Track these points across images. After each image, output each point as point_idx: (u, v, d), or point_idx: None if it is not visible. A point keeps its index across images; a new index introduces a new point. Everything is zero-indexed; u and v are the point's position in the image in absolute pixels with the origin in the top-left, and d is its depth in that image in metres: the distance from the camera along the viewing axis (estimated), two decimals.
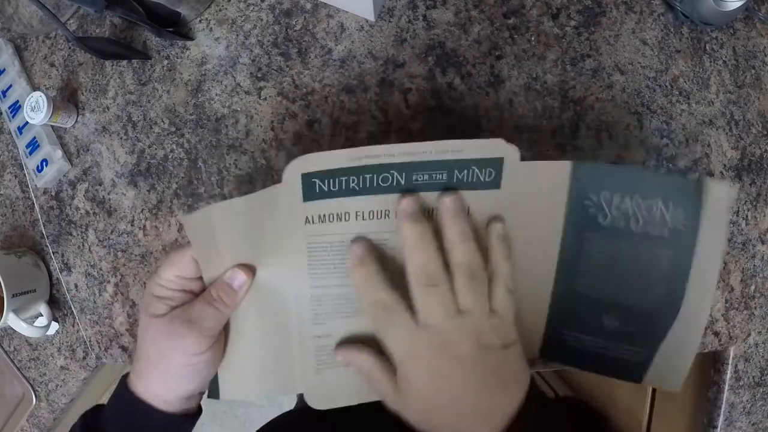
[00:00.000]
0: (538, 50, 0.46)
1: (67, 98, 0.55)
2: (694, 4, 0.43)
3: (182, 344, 0.31)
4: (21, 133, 0.55)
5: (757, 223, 0.46)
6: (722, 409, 0.47)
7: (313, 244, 0.33)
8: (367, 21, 0.48)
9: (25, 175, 0.57)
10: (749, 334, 0.47)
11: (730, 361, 0.47)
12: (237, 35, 0.50)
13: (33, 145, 0.54)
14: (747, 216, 0.46)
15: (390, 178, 0.32)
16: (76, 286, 0.55)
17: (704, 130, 0.46)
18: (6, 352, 0.60)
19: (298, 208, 0.32)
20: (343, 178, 0.31)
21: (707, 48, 0.46)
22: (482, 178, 0.32)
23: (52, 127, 0.55)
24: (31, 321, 0.53)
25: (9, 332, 0.59)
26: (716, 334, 0.46)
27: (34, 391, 0.59)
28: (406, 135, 0.47)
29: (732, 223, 0.46)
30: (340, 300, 0.34)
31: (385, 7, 0.48)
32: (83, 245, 0.54)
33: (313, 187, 0.32)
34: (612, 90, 0.46)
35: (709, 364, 0.49)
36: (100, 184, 0.54)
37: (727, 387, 0.47)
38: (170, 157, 0.52)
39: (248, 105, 0.50)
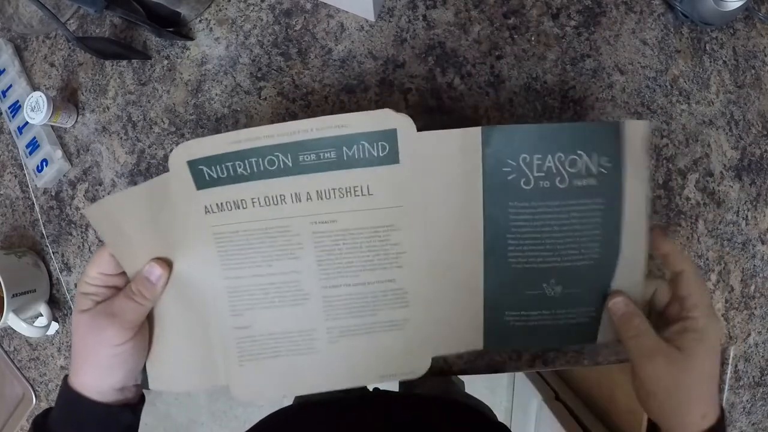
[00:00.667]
0: (538, 50, 0.46)
1: (67, 98, 0.55)
2: (694, 4, 0.43)
3: (105, 336, 0.32)
4: (21, 133, 0.55)
5: (757, 223, 0.46)
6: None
7: (218, 234, 0.33)
8: (367, 21, 0.48)
9: (25, 175, 0.57)
10: (749, 334, 0.47)
11: (730, 361, 0.47)
12: (237, 35, 0.50)
13: (33, 145, 0.54)
14: (747, 216, 0.46)
15: (275, 160, 0.31)
16: (76, 286, 0.55)
17: (704, 130, 0.46)
18: (6, 352, 0.60)
19: (193, 197, 0.32)
20: (229, 164, 0.31)
21: (707, 48, 0.46)
22: (375, 153, 0.31)
23: (52, 127, 0.55)
24: (31, 321, 0.53)
25: (9, 332, 0.59)
26: None
27: (34, 391, 0.59)
28: None
29: (732, 223, 0.46)
30: (256, 291, 0.34)
31: (385, 7, 0.48)
32: (83, 245, 0.54)
33: (202, 175, 0.31)
34: (612, 90, 0.46)
35: None
36: (100, 184, 0.54)
37: (727, 387, 0.47)
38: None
39: (248, 105, 0.50)
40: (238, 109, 0.50)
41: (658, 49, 0.46)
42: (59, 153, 0.54)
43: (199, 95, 0.51)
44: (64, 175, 0.55)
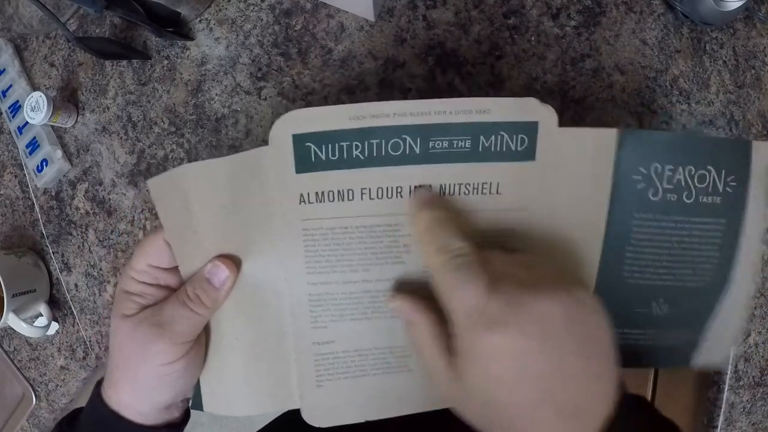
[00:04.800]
0: (538, 50, 0.46)
1: (67, 98, 0.55)
2: (694, 4, 0.43)
3: (150, 352, 0.26)
4: (21, 133, 0.55)
5: None
6: (722, 409, 0.47)
7: (309, 230, 0.28)
8: (367, 21, 0.48)
9: (25, 175, 0.57)
10: (749, 334, 0.47)
11: (730, 361, 0.47)
12: (237, 35, 0.50)
13: (33, 145, 0.54)
14: None
15: (402, 144, 0.26)
16: (76, 286, 0.55)
17: (704, 130, 0.46)
18: (6, 352, 0.60)
19: (290, 181, 0.27)
20: (344, 144, 0.26)
21: (707, 48, 0.46)
22: (513, 147, 0.27)
23: (52, 127, 0.55)
24: (31, 321, 0.53)
25: (9, 332, 0.59)
26: None
27: (34, 391, 0.59)
28: None
29: None
30: (345, 300, 0.29)
31: (385, 7, 0.48)
32: (83, 245, 0.54)
33: (307, 155, 0.26)
34: (612, 90, 0.46)
35: None
36: (100, 184, 0.54)
37: (727, 387, 0.47)
38: (170, 157, 0.52)
39: (248, 105, 0.50)
40: (238, 109, 0.50)
41: (658, 49, 0.46)
42: (59, 153, 0.54)
43: (199, 95, 0.51)
44: (64, 175, 0.55)
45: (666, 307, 0.31)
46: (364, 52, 0.48)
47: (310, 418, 0.30)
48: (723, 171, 0.29)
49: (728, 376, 0.47)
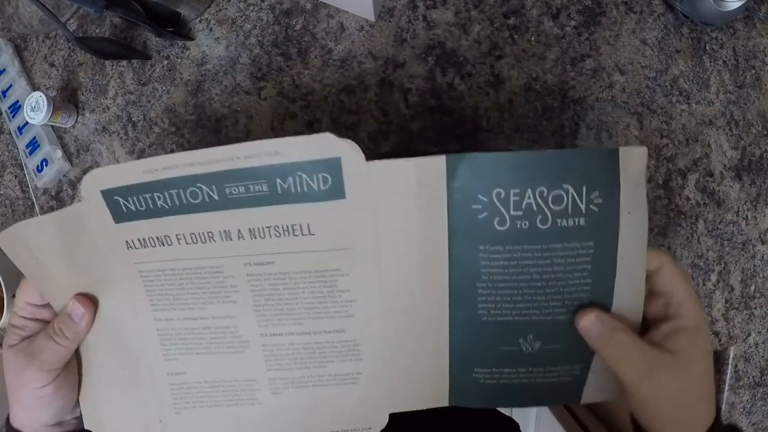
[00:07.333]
0: (538, 50, 0.46)
1: (67, 98, 0.55)
2: (694, 4, 0.43)
3: (24, 378, 0.30)
4: (21, 133, 0.55)
5: (757, 223, 0.46)
6: (722, 409, 0.47)
7: (144, 272, 0.29)
8: (367, 21, 0.48)
9: (25, 175, 0.57)
10: (749, 334, 0.47)
11: (730, 361, 0.47)
12: (237, 35, 0.50)
13: (33, 145, 0.54)
14: (747, 216, 0.46)
15: (199, 193, 0.27)
16: None
17: (704, 130, 0.46)
18: None
19: (113, 231, 0.28)
20: (147, 196, 0.27)
21: (707, 48, 0.46)
22: (316, 186, 0.26)
23: (52, 127, 0.55)
24: None
25: None
26: (716, 334, 0.46)
27: None
28: (406, 135, 0.47)
29: (732, 223, 0.46)
30: (189, 335, 0.31)
31: (385, 7, 0.48)
32: None
33: (119, 207, 0.27)
34: (612, 90, 0.46)
35: None
36: None
37: (727, 387, 0.47)
38: None
39: (248, 105, 0.50)
40: (238, 109, 0.50)
41: (658, 49, 0.46)
42: (59, 153, 0.54)
43: (199, 95, 0.51)
44: (64, 175, 0.55)
45: (537, 344, 0.29)
46: (364, 52, 0.48)
47: None
48: (584, 188, 0.26)
49: (728, 376, 0.47)
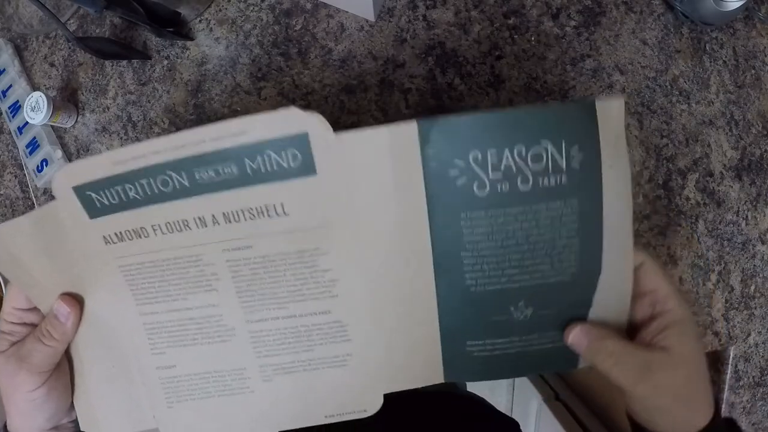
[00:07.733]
0: (538, 50, 0.46)
1: (67, 98, 0.55)
2: (694, 4, 0.43)
3: (16, 382, 0.30)
4: (21, 133, 0.55)
5: (757, 223, 0.46)
6: (722, 409, 0.47)
7: (125, 267, 0.29)
8: (367, 21, 0.48)
9: (25, 175, 0.57)
10: (749, 334, 0.47)
11: (730, 361, 0.47)
12: (237, 35, 0.50)
13: (33, 145, 0.54)
14: (747, 216, 0.46)
15: (169, 180, 0.26)
16: None
17: (704, 130, 0.46)
18: None
19: (88, 227, 0.28)
20: (118, 188, 0.27)
21: (707, 48, 0.46)
22: (285, 164, 0.26)
23: (52, 127, 0.55)
24: None
25: None
26: (716, 334, 0.46)
27: None
28: None
29: (732, 223, 0.46)
30: (174, 327, 0.30)
31: (385, 7, 0.48)
32: None
33: (92, 202, 0.27)
34: (612, 90, 0.46)
35: (709, 364, 0.49)
36: None
37: (727, 387, 0.47)
38: None
39: (248, 105, 0.50)
40: (239, 109, 0.50)
41: (658, 49, 0.46)
42: (59, 153, 0.54)
43: (199, 95, 0.51)
44: None
45: (529, 311, 0.28)
46: (364, 52, 0.48)
47: None
48: (563, 143, 0.25)
49: (728, 376, 0.47)
